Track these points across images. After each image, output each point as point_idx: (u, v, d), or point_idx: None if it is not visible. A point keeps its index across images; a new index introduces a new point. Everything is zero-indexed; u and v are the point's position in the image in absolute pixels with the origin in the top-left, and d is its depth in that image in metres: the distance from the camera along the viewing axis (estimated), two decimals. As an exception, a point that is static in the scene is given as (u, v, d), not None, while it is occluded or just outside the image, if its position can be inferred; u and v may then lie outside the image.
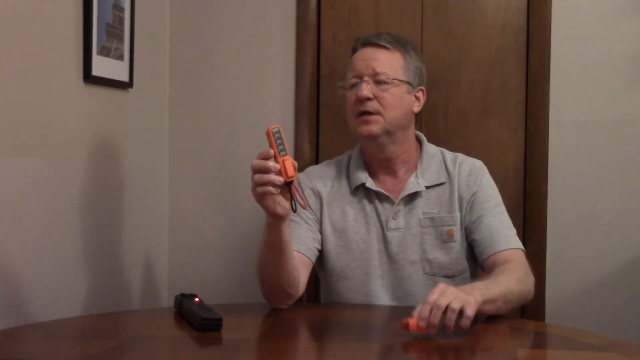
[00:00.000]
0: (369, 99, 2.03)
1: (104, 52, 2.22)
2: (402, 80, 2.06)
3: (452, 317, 1.64)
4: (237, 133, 2.72)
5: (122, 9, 2.33)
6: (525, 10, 2.62)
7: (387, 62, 2.06)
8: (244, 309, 2.01)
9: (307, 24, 2.69)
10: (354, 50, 2.13)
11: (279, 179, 1.72)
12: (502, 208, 2.09)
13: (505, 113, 2.64)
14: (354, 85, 2.07)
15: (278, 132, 1.74)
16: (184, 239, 2.76)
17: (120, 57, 2.32)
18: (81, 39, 2.12)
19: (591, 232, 2.59)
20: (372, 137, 2.05)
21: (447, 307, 1.64)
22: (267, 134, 1.74)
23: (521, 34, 2.63)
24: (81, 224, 2.15)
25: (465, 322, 1.65)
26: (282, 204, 1.78)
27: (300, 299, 2.03)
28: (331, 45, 2.71)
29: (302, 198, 1.80)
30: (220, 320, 1.67)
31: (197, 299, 1.81)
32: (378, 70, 2.05)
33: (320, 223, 2.10)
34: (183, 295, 1.86)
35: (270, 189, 1.73)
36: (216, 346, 1.64)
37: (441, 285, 1.69)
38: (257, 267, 1.96)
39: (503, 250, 1.99)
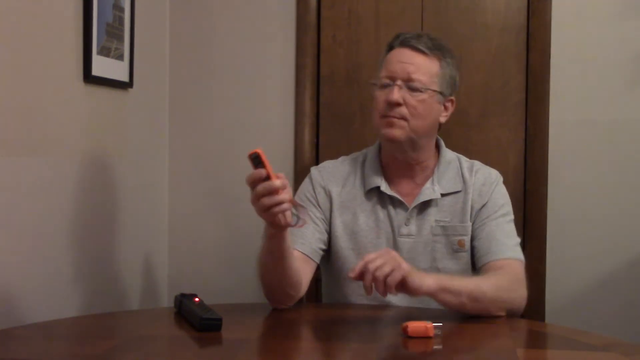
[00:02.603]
0: (398, 104, 1.96)
1: (104, 52, 2.22)
2: (434, 90, 1.99)
3: (378, 281, 1.69)
4: (236, 133, 2.72)
5: (122, 9, 2.33)
6: (525, 10, 2.63)
7: (424, 68, 1.98)
8: (244, 309, 2.01)
9: (307, 24, 2.69)
10: (390, 47, 2.03)
11: (287, 197, 1.70)
12: (509, 218, 2.04)
13: (505, 113, 2.64)
14: (385, 86, 1.99)
15: (262, 153, 1.70)
16: (184, 239, 2.76)
17: (120, 57, 2.32)
18: (81, 39, 2.12)
19: (591, 232, 2.60)
20: (394, 141, 1.99)
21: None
22: (257, 156, 1.68)
23: (521, 34, 2.63)
24: (81, 224, 2.15)
25: (390, 290, 1.70)
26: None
27: (300, 299, 2.03)
28: (331, 45, 2.71)
29: (301, 214, 1.78)
30: (220, 320, 1.67)
31: (197, 299, 1.81)
32: (413, 76, 1.96)
33: (330, 224, 2.07)
34: (183, 295, 1.86)
35: (285, 206, 1.70)
36: (216, 346, 1.64)
37: (386, 249, 1.77)
38: (257, 268, 1.95)
39: (497, 259, 1.95)
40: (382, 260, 1.71)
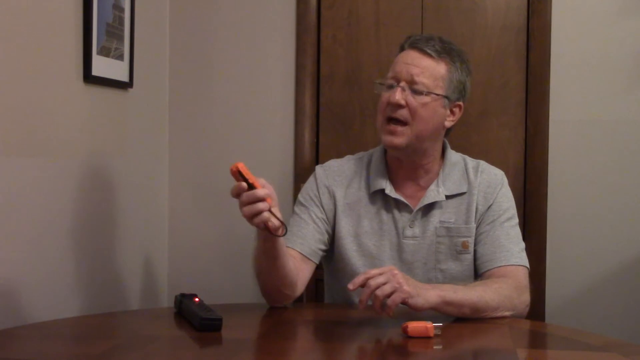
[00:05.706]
0: (400, 106, 1.95)
1: (104, 52, 2.22)
2: (438, 94, 1.97)
3: (377, 299, 1.68)
4: (236, 133, 2.72)
5: (122, 9, 2.33)
6: (525, 10, 2.63)
7: (429, 71, 1.96)
8: (244, 309, 2.01)
9: (307, 24, 2.69)
10: (401, 48, 2.02)
11: (267, 205, 1.73)
12: (514, 222, 2.04)
13: (505, 113, 2.64)
14: (390, 87, 1.98)
15: (242, 167, 1.73)
16: (184, 239, 2.76)
17: (120, 57, 2.32)
18: (81, 39, 2.12)
19: (591, 232, 2.60)
20: (395, 149, 1.99)
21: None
22: (237, 171, 1.72)
23: (521, 34, 2.63)
24: (81, 224, 2.15)
25: (387, 310, 1.69)
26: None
27: (300, 299, 2.02)
28: (331, 45, 2.71)
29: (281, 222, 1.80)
30: (220, 320, 1.67)
31: (197, 299, 1.81)
32: (417, 79, 1.95)
33: (334, 225, 2.06)
34: (183, 295, 1.86)
35: (265, 215, 1.72)
36: (216, 346, 1.64)
37: (389, 267, 1.73)
38: (253, 267, 1.95)
39: (501, 266, 1.95)
40: (384, 278, 1.70)
